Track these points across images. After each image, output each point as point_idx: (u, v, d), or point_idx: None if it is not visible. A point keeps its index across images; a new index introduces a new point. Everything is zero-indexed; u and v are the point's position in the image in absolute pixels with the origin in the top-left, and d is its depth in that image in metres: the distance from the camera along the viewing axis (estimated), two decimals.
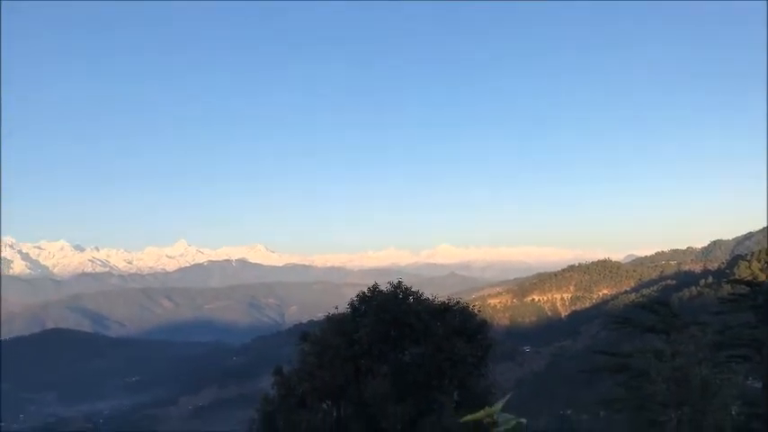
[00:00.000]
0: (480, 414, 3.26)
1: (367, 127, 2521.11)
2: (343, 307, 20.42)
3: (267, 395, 18.53)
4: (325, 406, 17.13)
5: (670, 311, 41.81)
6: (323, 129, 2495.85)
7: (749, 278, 65.84)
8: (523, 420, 3.12)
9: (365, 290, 19.97)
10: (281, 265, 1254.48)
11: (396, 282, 19.73)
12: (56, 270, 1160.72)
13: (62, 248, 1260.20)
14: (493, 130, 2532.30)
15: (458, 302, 19.65)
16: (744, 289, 47.01)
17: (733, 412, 12.07)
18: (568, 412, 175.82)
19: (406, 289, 19.50)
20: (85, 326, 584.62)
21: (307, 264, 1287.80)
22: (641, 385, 41.42)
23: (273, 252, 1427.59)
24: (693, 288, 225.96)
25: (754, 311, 41.39)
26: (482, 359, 18.84)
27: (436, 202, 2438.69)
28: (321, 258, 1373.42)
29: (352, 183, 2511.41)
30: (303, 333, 19.90)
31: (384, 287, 19.74)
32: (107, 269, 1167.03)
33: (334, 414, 17.08)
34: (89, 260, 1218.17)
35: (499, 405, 3.25)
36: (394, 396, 17.13)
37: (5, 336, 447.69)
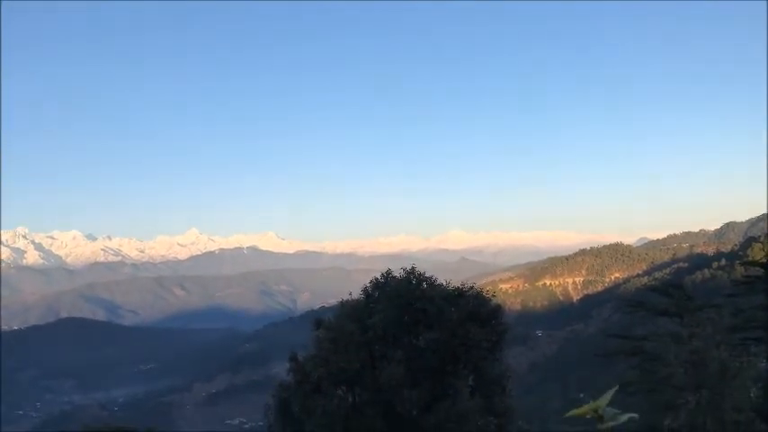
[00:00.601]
0: (586, 408, 3.13)
1: (376, 114, 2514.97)
2: (357, 293, 20.45)
3: (283, 382, 18.61)
4: (340, 392, 17.18)
5: (684, 294, 41.57)
6: (333, 116, 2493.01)
7: (763, 260, 65.34)
8: (635, 415, 3.06)
9: (378, 276, 19.97)
10: (292, 252, 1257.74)
11: (409, 268, 19.70)
12: (69, 260, 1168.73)
13: (74, 238, 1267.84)
14: (502, 114, 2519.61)
15: (472, 287, 19.59)
16: (758, 271, 46.76)
17: (752, 395, 12.00)
18: (581, 396, 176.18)
19: (420, 275, 19.47)
20: (99, 315, 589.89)
21: (318, 250, 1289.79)
22: (655, 369, 41.30)
23: (284, 239, 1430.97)
24: (706, 271, 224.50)
25: (766, 293, 41.13)
26: (497, 344, 18.82)
27: (447, 188, 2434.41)
28: (332, 245, 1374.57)
29: (362, 169, 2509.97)
30: (317, 319, 19.94)
31: (397, 273, 19.72)
32: (119, 258, 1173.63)
33: (350, 400, 17.14)
34: (101, 249, 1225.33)
35: (606, 398, 3.12)
36: (409, 381, 17.16)
37: (21, 325, 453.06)
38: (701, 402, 11.94)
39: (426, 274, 19.47)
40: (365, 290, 20.00)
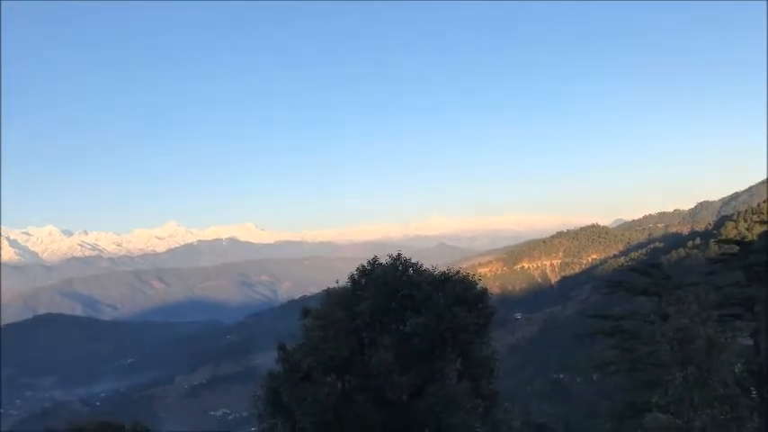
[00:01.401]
0: None
1: (352, 103, 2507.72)
2: (344, 281, 20.52)
3: (272, 371, 18.63)
4: (329, 379, 17.21)
5: (662, 273, 42.22)
6: (308, 106, 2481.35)
7: (738, 238, 66.51)
8: None
9: (365, 263, 20.04)
10: (271, 242, 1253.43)
11: (395, 254, 19.81)
12: (45, 255, 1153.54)
13: (50, 233, 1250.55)
14: (476, 100, 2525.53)
15: (458, 272, 19.75)
16: (733, 249, 47.58)
17: (736, 370, 12.25)
18: (561, 376, 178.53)
19: (406, 261, 19.57)
20: (78, 310, 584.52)
21: (297, 240, 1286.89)
22: (635, 347, 41.89)
23: (263, 230, 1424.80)
24: (681, 250, 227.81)
25: (744, 271, 41.90)
26: (484, 327, 19.00)
27: (424, 175, 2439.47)
28: (311, 234, 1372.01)
29: (339, 158, 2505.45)
30: (304, 308, 19.96)
31: (383, 260, 19.79)
32: (96, 253, 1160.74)
33: (339, 387, 17.20)
34: (78, 244, 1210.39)
35: None
36: (398, 367, 17.25)
37: None
38: (687, 378, 12.16)
39: (412, 260, 19.59)
40: (352, 277, 20.07)
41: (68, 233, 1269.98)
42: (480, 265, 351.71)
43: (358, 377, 17.37)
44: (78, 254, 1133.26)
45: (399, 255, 19.59)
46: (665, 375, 13.18)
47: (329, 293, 19.56)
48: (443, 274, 19.68)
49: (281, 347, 18.66)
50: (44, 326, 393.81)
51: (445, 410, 16.81)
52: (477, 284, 19.58)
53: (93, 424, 41.55)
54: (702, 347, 12.23)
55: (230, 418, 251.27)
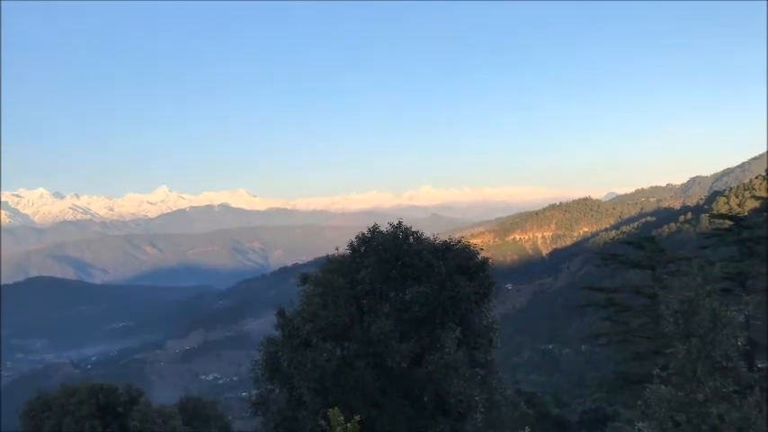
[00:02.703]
0: None
1: (347, 69, 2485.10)
2: (343, 248, 20.41)
3: (271, 336, 18.59)
4: (328, 345, 17.18)
5: (656, 247, 42.28)
6: (303, 72, 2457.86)
7: (732, 213, 66.71)
8: None
9: (365, 231, 19.90)
10: (263, 209, 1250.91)
11: (396, 222, 19.66)
12: (36, 218, 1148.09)
13: (42, 196, 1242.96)
14: (471, 72, 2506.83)
15: (459, 241, 19.65)
16: (725, 224, 47.64)
17: (739, 343, 12.25)
18: (550, 347, 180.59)
19: (406, 229, 19.43)
20: (69, 273, 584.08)
21: (289, 208, 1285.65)
22: (627, 319, 42.06)
23: (256, 196, 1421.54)
24: (673, 224, 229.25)
25: (738, 245, 42.03)
26: (485, 296, 18.97)
27: (417, 145, 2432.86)
28: (304, 202, 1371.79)
29: (333, 126, 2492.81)
30: (303, 274, 19.89)
31: (384, 228, 19.67)
32: (88, 216, 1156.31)
33: (339, 353, 17.18)
34: (70, 208, 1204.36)
35: None
36: (398, 334, 17.23)
37: None
38: (691, 351, 12.14)
39: (412, 229, 19.48)
40: (351, 245, 19.95)
41: (60, 196, 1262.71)
42: (472, 236, 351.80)
43: (357, 344, 17.37)
44: (70, 217, 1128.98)
45: (400, 223, 19.46)
46: (667, 347, 13.17)
47: (329, 260, 19.48)
48: (445, 243, 19.58)
49: (281, 313, 18.60)
50: (36, 288, 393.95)
51: (444, 378, 16.85)
52: (478, 254, 19.51)
53: (86, 387, 41.70)
54: (706, 320, 12.18)
55: (221, 382, 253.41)
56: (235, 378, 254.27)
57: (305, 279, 19.38)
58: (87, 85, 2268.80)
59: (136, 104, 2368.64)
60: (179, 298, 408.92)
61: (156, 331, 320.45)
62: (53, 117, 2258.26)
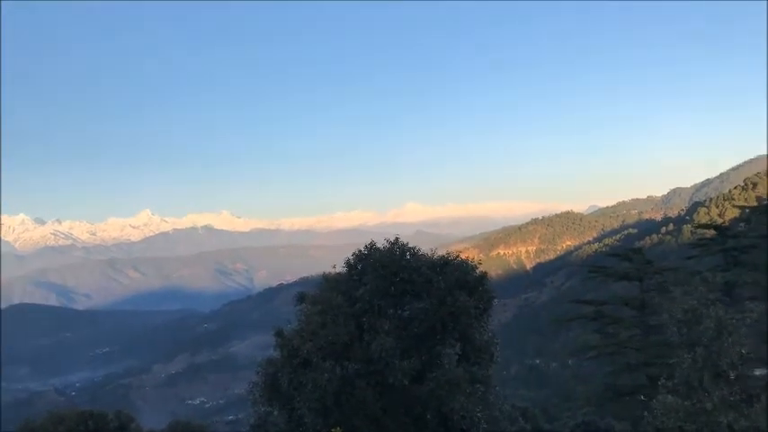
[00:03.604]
0: None
1: (329, 92, 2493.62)
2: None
3: (270, 357, 18.38)
4: (328, 365, 17.01)
5: (643, 258, 42.47)
6: (284, 91, 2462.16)
7: (717, 223, 67.33)
8: None
9: (361, 248, 19.83)
10: (247, 230, 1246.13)
11: (393, 239, 19.62)
12: (18, 245, 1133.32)
13: (23, 222, 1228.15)
14: (454, 87, 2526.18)
15: (457, 256, 19.62)
16: (706, 233, 47.98)
17: (743, 351, 12.26)
18: (537, 361, 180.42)
19: (403, 245, 19.38)
20: (52, 300, 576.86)
21: (274, 228, 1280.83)
22: (617, 332, 42.05)
23: (240, 218, 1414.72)
24: (655, 236, 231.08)
25: (723, 255, 42.33)
26: (485, 311, 18.91)
27: (401, 162, 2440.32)
28: (288, 222, 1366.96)
29: (316, 145, 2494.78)
30: (300, 293, 19.74)
31: (380, 245, 19.62)
32: (70, 242, 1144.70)
33: (339, 372, 16.98)
34: (51, 233, 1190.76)
35: None
36: (399, 351, 17.10)
37: None
38: (696, 360, 12.13)
39: (409, 245, 19.44)
40: (347, 262, 19.86)
41: (41, 222, 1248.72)
42: (457, 251, 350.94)
43: (358, 362, 17.19)
44: (52, 243, 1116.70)
45: (397, 239, 19.42)
46: (658, 358, 13.19)
47: (326, 278, 19.37)
48: (442, 258, 19.55)
49: (279, 333, 18.41)
50: (18, 316, 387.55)
51: (447, 395, 16.71)
52: (476, 268, 19.48)
53: (75, 413, 40.90)
54: (711, 328, 12.19)
55: (207, 406, 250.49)
56: (221, 401, 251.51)
57: (302, 298, 19.24)
58: (66, 110, 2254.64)
59: (116, 128, 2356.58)
60: (163, 322, 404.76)
61: (140, 356, 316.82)
62: (34, 143, 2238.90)
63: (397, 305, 18.42)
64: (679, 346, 12.54)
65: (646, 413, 12.87)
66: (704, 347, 11.88)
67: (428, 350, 17.58)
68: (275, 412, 18.46)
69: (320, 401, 16.39)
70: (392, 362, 16.49)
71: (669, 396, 12.39)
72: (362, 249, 19.29)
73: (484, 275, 19.39)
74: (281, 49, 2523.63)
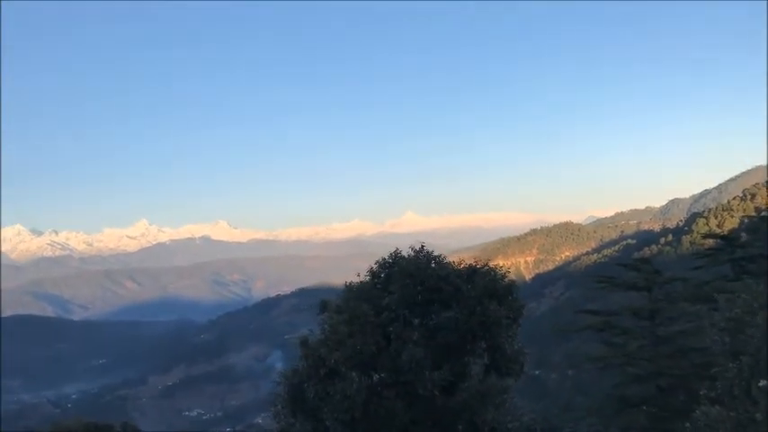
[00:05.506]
0: None
1: (325, 100, 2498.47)
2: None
3: (294, 367, 18.02)
4: (356, 375, 16.68)
5: (652, 268, 42.24)
6: (281, 102, 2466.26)
7: (723, 233, 67.19)
8: None
9: (386, 256, 19.52)
10: (245, 240, 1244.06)
11: (418, 246, 19.33)
12: (14, 255, 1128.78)
13: (19, 233, 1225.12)
14: (453, 100, 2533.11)
15: (486, 264, 19.31)
16: (707, 243, 47.71)
17: None
18: (537, 372, 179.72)
19: (429, 253, 19.06)
20: (48, 311, 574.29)
21: (271, 239, 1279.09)
22: (625, 342, 41.78)
23: (237, 228, 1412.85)
24: (654, 246, 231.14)
25: (731, 264, 42.11)
26: (515, 321, 18.60)
27: (398, 173, 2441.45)
28: (285, 233, 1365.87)
29: (313, 155, 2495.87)
30: (322, 301, 19.38)
31: (405, 252, 19.31)
32: (67, 252, 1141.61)
33: (368, 382, 16.64)
34: (48, 244, 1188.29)
35: None
36: (429, 362, 16.77)
37: None
38: (742, 369, 11.83)
39: (435, 254, 19.16)
40: (371, 271, 19.54)
41: (38, 232, 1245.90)
42: (455, 262, 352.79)
43: (385, 372, 16.88)
44: (48, 254, 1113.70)
45: (422, 247, 19.14)
46: (713, 366, 12.88)
47: (349, 288, 19.07)
48: (470, 266, 19.25)
49: (304, 342, 18.06)
50: (13, 327, 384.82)
51: (480, 406, 16.41)
52: (504, 277, 19.19)
53: (81, 424, 40.36)
54: (757, 336, 11.91)
55: (205, 417, 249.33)
56: (219, 413, 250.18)
57: (324, 306, 18.94)
58: (62, 120, 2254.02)
59: (113, 138, 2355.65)
60: (160, 333, 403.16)
61: (137, 367, 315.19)
62: (29, 153, 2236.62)
63: (424, 314, 18.14)
64: (722, 354, 12.29)
65: (687, 425, 12.58)
66: (751, 356, 11.63)
67: (458, 360, 17.30)
68: (297, 425, 18.13)
69: (348, 412, 16.07)
70: (423, 372, 16.22)
71: (713, 407, 12.09)
72: (387, 257, 19.07)
73: (513, 283, 19.10)
74: (277, 59, 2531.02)
